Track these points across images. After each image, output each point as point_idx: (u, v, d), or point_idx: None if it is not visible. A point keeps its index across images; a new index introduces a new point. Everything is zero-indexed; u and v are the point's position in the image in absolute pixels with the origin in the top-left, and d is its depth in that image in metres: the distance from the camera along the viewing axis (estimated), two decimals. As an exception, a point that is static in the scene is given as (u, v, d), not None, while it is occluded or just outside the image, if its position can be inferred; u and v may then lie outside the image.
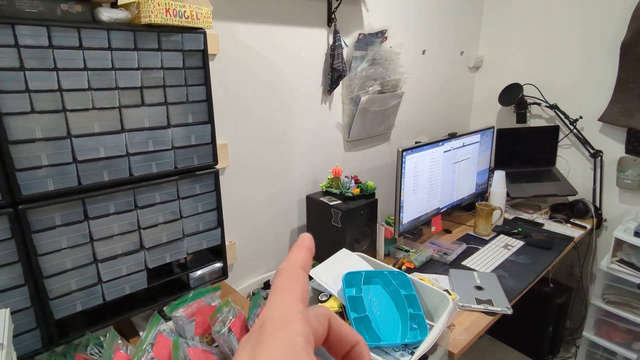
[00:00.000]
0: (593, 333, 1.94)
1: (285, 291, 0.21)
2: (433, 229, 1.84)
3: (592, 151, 2.05)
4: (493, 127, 2.12)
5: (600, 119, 1.99)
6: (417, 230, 1.86)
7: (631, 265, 1.78)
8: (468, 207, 2.12)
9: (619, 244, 1.80)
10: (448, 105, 2.37)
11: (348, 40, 1.65)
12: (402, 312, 1.06)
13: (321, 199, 1.55)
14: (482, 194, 2.16)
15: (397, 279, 1.12)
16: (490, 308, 1.33)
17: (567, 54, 2.10)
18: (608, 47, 1.94)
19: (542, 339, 2.09)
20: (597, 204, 2.07)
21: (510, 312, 1.33)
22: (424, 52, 2.08)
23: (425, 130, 2.26)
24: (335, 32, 1.55)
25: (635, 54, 1.84)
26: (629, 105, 1.89)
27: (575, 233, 1.90)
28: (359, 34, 1.66)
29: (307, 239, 0.26)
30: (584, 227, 1.95)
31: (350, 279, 1.11)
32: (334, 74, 1.58)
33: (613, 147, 2.01)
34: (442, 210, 1.90)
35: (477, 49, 2.45)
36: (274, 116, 1.51)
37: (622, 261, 1.81)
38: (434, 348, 1.05)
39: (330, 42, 1.59)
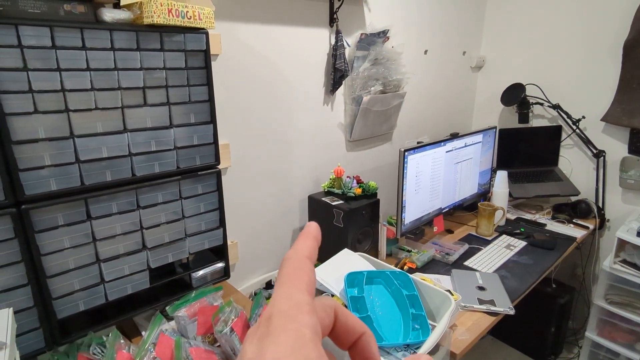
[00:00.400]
0: (596, 333, 1.94)
1: (291, 282, 0.21)
2: (435, 229, 1.84)
3: (594, 151, 2.04)
4: (495, 127, 2.11)
5: (603, 119, 1.98)
6: (419, 231, 1.86)
7: (634, 265, 1.78)
8: (470, 207, 2.12)
9: (622, 244, 1.80)
10: (450, 105, 2.37)
11: (350, 40, 1.65)
12: (404, 313, 1.06)
13: (323, 199, 1.55)
14: (484, 194, 2.15)
15: (399, 279, 1.12)
16: (493, 308, 1.32)
17: (570, 53, 2.09)
18: (611, 47, 1.94)
19: (545, 340, 2.09)
20: (600, 204, 2.06)
21: (512, 312, 1.32)
22: (426, 52, 2.07)
23: (428, 131, 2.26)
24: (337, 32, 1.55)
25: (637, 54, 1.83)
26: (632, 105, 1.88)
27: (578, 233, 1.90)
28: (361, 34, 1.66)
29: (313, 228, 0.25)
30: (587, 228, 1.95)
31: (352, 279, 1.11)
32: (337, 74, 1.58)
33: (616, 147, 2.00)
34: (444, 211, 1.90)
35: (479, 48, 2.45)
36: (276, 116, 1.51)
37: (624, 261, 1.80)
38: (436, 348, 1.05)
39: (333, 42, 1.59)
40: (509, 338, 2.25)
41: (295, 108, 1.57)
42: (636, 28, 1.82)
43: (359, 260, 1.22)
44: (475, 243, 1.82)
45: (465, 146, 1.91)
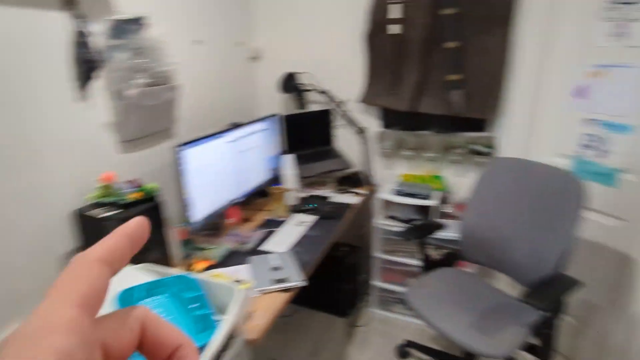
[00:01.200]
0: (379, 280, 2.31)
1: (59, 293, 0.18)
2: (231, 220, 1.83)
3: (358, 128, 2.38)
4: (276, 114, 2.23)
5: (359, 100, 2.32)
6: (216, 225, 1.82)
7: (396, 218, 2.17)
8: (265, 192, 2.20)
9: (387, 203, 2.17)
10: (233, 96, 2.38)
11: (98, 27, 1.44)
12: (191, 316, 1.01)
13: (90, 212, 1.33)
14: (276, 179, 2.26)
15: (183, 283, 1.05)
16: (286, 285, 1.40)
17: (332, 42, 2.34)
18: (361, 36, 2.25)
19: (344, 297, 2.37)
20: (369, 173, 2.43)
21: (304, 284, 1.42)
22: (196, 42, 2.00)
23: (214, 123, 2.20)
24: (79, 17, 1.33)
25: (375, 43, 2.19)
26: (378, 87, 2.26)
27: (357, 200, 2.19)
28: (111, 20, 1.46)
29: (131, 223, 0.22)
30: (362, 194, 2.27)
31: (128, 296, 0.98)
32: (85, 66, 1.35)
33: (374, 124, 2.38)
34: (237, 201, 1.90)
35: (254, 39, 2.52)
36: (12, 121, 1.20)
37: (390, 217, 2.19)
38: (229, 341, 1.03)
39: (74, 28, 1.35)
40: (314, 304, 2.46)
41: (39, 108, 1.28)
42: (371, 20, 2.16)
43: (136, 273, 1.09)
44: (272, 226, 1.89)
45: (249, 135, 1.95)
